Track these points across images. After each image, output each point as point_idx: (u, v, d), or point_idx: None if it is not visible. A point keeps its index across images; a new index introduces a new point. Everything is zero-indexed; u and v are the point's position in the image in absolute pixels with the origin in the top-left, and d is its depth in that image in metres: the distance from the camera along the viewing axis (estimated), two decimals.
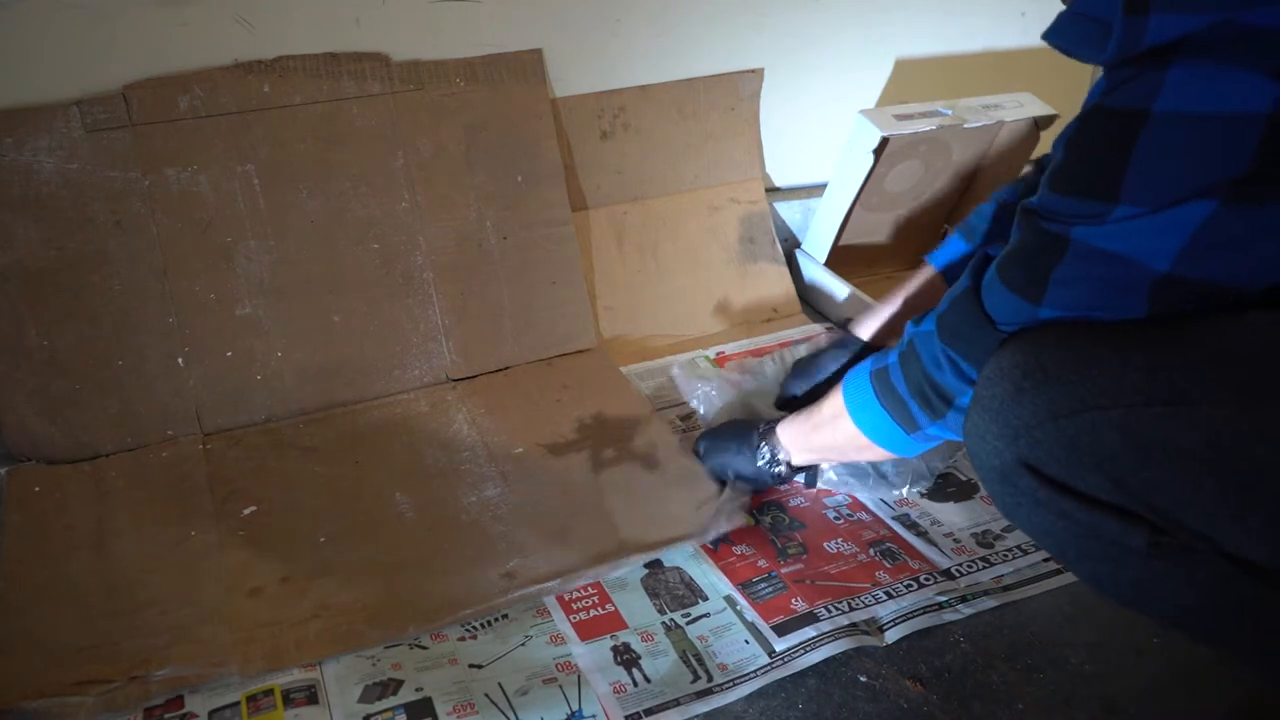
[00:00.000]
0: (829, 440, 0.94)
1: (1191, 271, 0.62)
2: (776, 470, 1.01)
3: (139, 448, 1.13)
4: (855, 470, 1.08)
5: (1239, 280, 0.63)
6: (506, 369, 1.30)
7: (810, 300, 1.51)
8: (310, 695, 0.85)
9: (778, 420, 1.02)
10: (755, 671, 0.88)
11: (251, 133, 1.17)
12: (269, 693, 0.85)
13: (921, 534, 1.04)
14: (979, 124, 1.37)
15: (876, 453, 0.90)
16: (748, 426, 1.05)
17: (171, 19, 1.13)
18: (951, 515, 1.06)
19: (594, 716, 0.83)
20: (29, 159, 1.09)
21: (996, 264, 0.74)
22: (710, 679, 0.87)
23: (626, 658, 0.89)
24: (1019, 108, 1.41)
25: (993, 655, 0.90)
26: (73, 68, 1.11)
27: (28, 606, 0.92)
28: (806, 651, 0.89)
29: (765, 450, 1.01)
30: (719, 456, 1.06)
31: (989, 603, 0.95)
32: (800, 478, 1.08)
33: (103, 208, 1.12)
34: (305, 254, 1.21)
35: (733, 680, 0.87)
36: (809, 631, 0.91)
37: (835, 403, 0.92)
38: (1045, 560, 1.00)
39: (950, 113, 1.37)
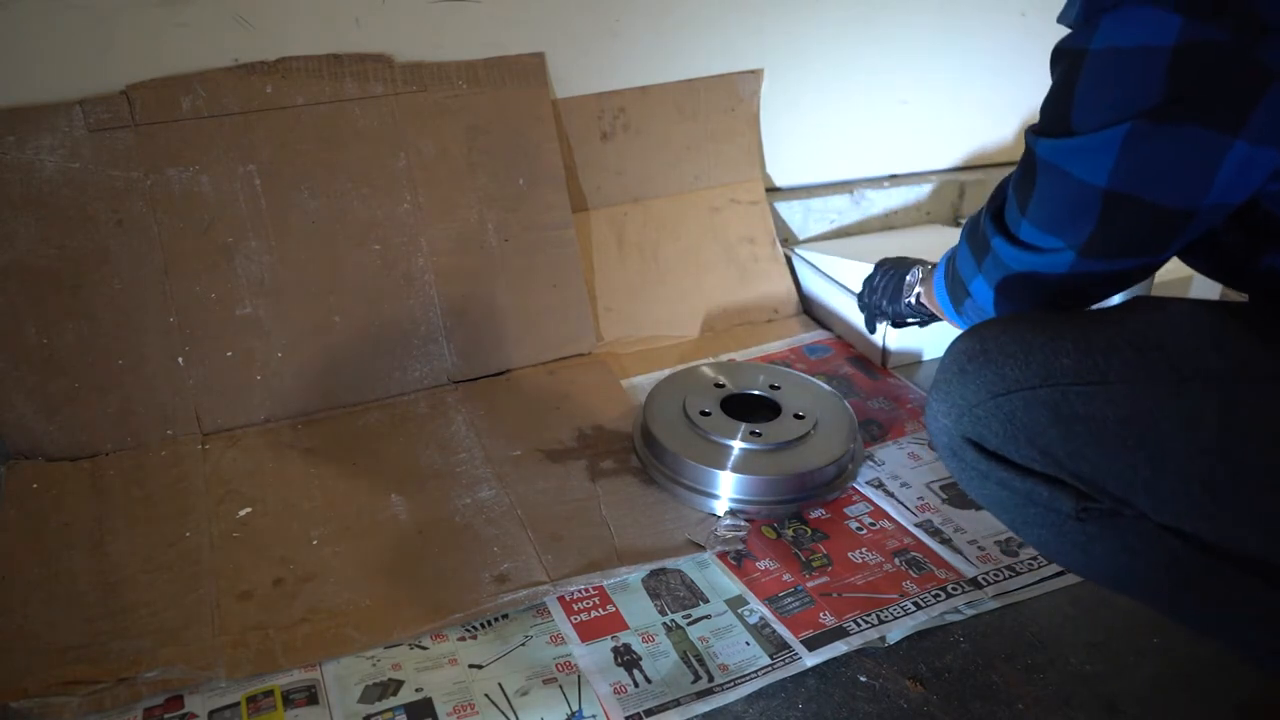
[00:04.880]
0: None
1: (1125, 187, 0.67)
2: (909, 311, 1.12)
3: (138, 447, 1.13)
4: None
5: (1173, 201, 0.66)
6: (507, 373, 1.30)
7: (810, 300, 1.51)
8: (310, 695, 0.85)
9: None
10: (756, 672, 0.88)
11: (254, 133, 1.17)
12: (269, 693, 0.85)
13: (945, 541, 1.03)
14: None
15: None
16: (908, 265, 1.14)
17: (170, 19, 1.13)
18: (974, 522, 1.05)
19: (594, 717, 0.83)
20: (31, 157, 1.09)
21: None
22: (711, 679, 0.87)
23: (627, 659, 0.89)
24: None
25: (993, 655, 0.90)
26: (74, 68, 1.11)
27: (21, 604, 0.93)
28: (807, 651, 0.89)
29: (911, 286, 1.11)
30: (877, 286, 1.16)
31: (989, 603, 0.95)
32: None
33: (104, 207, 1.12)
34: (306, 254, 1.21)
35: (733, 680, 0.87)
36: (840, 647, 0.90)
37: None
38: (1060, 573, 0.99)
39: None
